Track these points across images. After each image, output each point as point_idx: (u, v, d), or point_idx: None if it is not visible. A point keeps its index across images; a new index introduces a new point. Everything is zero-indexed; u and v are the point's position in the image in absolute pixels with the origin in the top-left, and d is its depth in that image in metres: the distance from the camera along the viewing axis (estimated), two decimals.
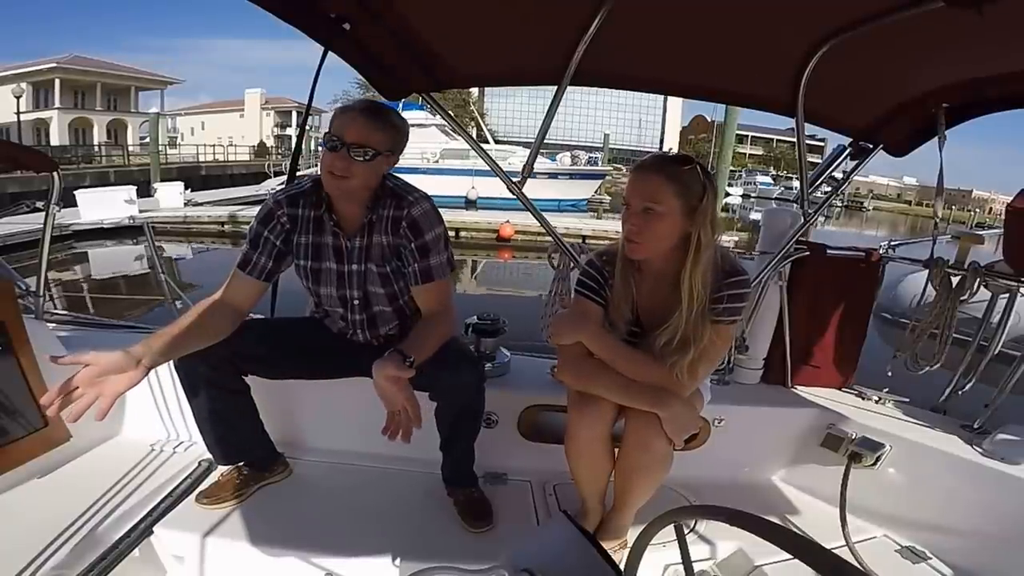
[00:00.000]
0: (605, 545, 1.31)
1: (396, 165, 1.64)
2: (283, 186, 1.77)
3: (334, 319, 1.80)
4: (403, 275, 1.68)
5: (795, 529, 1.84)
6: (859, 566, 1.73)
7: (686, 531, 1.36)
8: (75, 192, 12.29)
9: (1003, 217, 2.08)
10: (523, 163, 2.10)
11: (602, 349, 1.53)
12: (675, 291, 1.48)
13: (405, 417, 1.40)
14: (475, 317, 2.23)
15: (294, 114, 51.09)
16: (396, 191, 1.64)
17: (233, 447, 1.80)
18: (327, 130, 1.54)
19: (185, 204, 15.58)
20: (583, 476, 1.68)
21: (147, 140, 24.98)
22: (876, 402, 2.30)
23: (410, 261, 1.64)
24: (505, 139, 34.56)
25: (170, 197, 15.44)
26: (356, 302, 1.71)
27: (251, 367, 1.72)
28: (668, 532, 0.94)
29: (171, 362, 1.65)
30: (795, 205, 2.29)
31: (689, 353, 1.45)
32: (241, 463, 1.84)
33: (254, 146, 40.08)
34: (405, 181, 1.70)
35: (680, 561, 0.98)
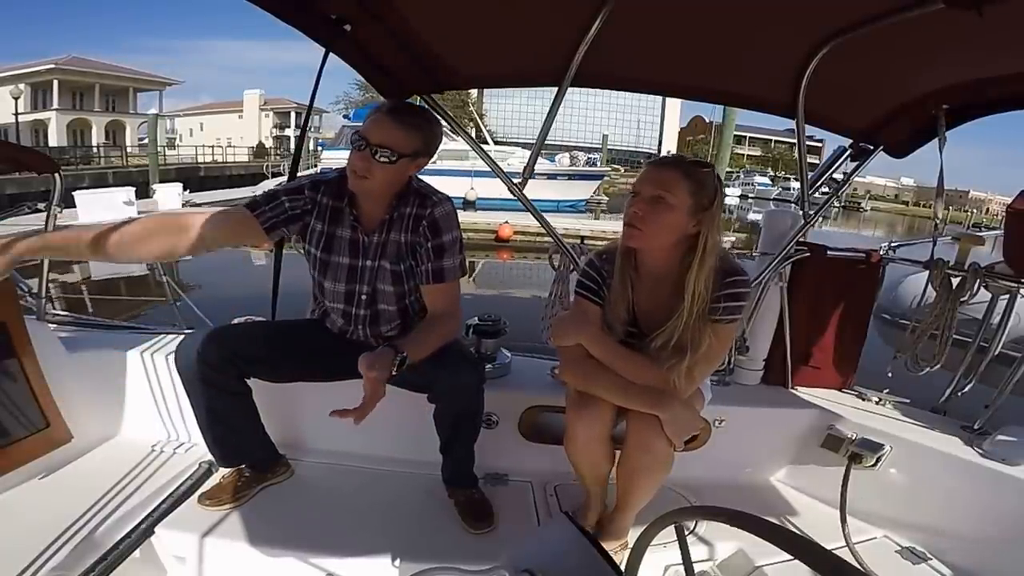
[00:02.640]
0: (606, 546, 1.32)
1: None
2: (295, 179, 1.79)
3: (334, 317, 1.79)
4: (415, 274, 1.69)
5: (795, 530, 1.84)
6: (859, 567, 1.74)
7: (687, 532, 1.36)
8: (74, 193, 12.23)
9: (1000, 217, 2.10)
10: (523, 164, 2.10)
11: (601, 351, 1.53)
12: (674, 293, 1.48)
13: (358, 407, 1.39)
14: (476, 318, 2.24)
15: (293, 115, 51.05)
16: (421, 190, 1.67)
17: (234, 449, 1.80)
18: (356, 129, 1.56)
19: (184, 205, 15.53)
20: (584, 472, 1.71)
21: (146, 141, 24.91)
22: (876, 403, 2.30)
23: (423, 260, 1.65)
24: (504, 140, 34.57)
25: (169, 198, 15.40)
26: (363, 297, 1.71)
27: (252, 369, 1.71)
28: (669, 533, 0.95)
29: (172, 363, 1.66)
30: (794, 206, 2.29)
31: (686, 358, 1.45)
32: (242, 465, 1.83)
33: (253, 147, 40.00)
34: (428, 183, 1.72)
35: (681, 562, 0.98)
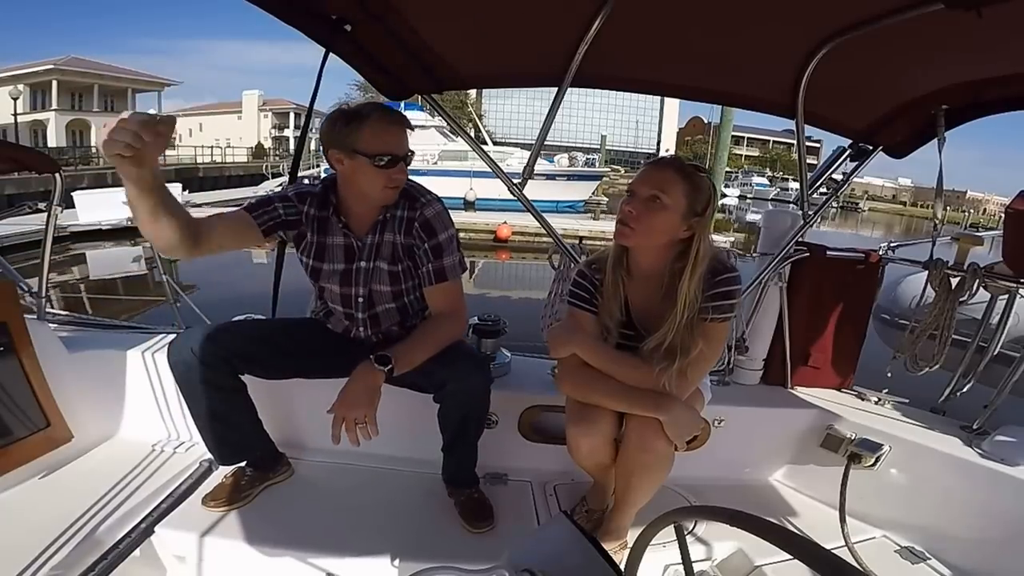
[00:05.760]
0: (606, 545, 1.32)
1: None
2: (282, 187, 1.79)
3: (337, 317, 1.81)
4: (412, 275, 1.70)
5: (795, 529, 1.84)
6: (859, 566, 1.74)
7: (686, 532, 1.36)
8: (73, 194, 12.22)
9: (998, 218, 2.10)
10: (522, 164, 2.10)
11: (594, 356, 1.54)
12: (666, 295, 1.48)
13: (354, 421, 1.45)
14: (476, 318, 2.24)
15: (292, 116, 51.00)
16: (409, 192, 1.67)
17: (234, 447, 1.78)
18: (369, 149, 1.51)
19: (183, 205, 15.50)
20: (592, 471, 1.75)
21: None
22: (876, 403, 2.30)
23: (423, 261, 1.67)
24: (502, 140, 34.59)
25: None
26: (360, 300, 1.73)
27: (249, 367, 1.69)
28: (668, 532, 0.95)
29: (169, 362, 1.65)
30: (793, 206, 2.29)
31: (677, 361, 1.45)
32: (243, 463, 1.82)
33: (252, 148, 39.99)
34: (416, 182, 1.72)
35: (680, 561, 0.98)
